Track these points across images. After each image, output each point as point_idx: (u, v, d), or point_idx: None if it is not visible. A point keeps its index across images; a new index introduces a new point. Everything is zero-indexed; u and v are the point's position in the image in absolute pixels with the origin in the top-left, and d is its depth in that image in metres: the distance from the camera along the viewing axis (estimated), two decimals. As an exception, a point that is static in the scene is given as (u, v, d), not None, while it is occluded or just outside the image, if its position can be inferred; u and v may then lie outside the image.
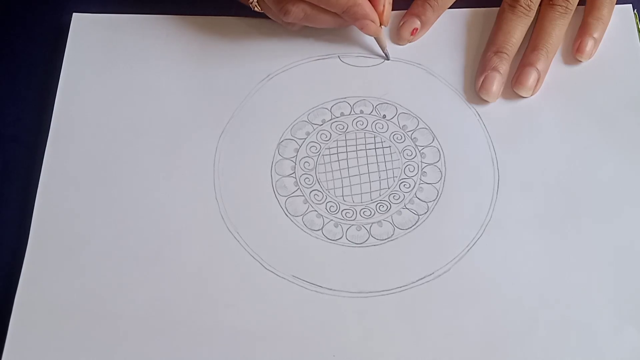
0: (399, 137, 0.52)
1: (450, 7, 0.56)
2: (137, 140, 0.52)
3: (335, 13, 0.52)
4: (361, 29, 0.53)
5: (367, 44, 0.56)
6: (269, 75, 0.55)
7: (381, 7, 0.52)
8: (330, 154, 0.52)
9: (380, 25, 0.53)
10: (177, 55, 0.55)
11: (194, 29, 0.56)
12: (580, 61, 0.55)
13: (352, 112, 0.53)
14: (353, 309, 0.47)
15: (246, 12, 0.55)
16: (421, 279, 0.48)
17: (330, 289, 0.47)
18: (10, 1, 0.58)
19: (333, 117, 0.53)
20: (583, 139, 0.52)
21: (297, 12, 0.51)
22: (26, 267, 0.48)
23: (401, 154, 0.52)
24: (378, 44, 0.55)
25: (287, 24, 0.54)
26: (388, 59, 0.55)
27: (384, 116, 0.53)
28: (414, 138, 0.52)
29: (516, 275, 0.47)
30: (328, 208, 0.50)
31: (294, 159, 0.52)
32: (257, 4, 0.53)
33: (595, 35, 0.54)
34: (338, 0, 0.50)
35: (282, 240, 0.49)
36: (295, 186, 0.51)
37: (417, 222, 0.49)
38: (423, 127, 0.53)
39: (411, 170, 0.51)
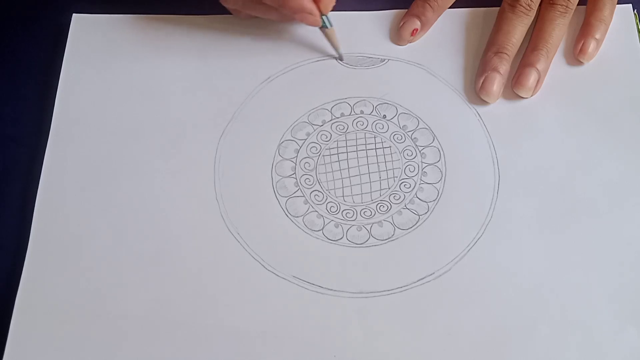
0: (399, 137, 0.52)
1: (450, 7, 0.56)
2: (138, 140, 0.52)
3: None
4: (300, 21, 0.52)
5: (367, 44, 0.56)
6: (269, 77, 0.55)
7: None
8: (330, 155, 0.52)
9: (322, 15, 0.52)
10: (177, 56, 0.55)
11: (194, 29, 0.56)
12: (581, 62, 0.55)
13: (353, 113, 0.53)
14: (354, 309, 0.47)
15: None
16: (422, 279, 0.48)
17: (331, 289, 0.47)
18: (10, 1, 0.58)
19: (333, 117, 0.53)
20: (583, 138, 0.52)
21: (233, 0, 0.52)
22: (27, 268, 0.48)
23: (401, 154, 0.52)
24: (329, 42, 0.54)
25: (234, 12, 0.54)
26: (342, 60, 0.55)
27: (384, 116, 0.53)
28: (414, 138, 0.52)
29: (517, 275, 0.47)
30: (328, 208, 0.50)
31: (294, 160, 0.52)
32: None
33: (597, 36, 0.54)
34: None
35: (282, 241, 0.49)
36: (296, 187, 0.51)
37: (417, 222, 0.49)
38: (423, 127, 0.53)
39: (411, 170, 0.51)
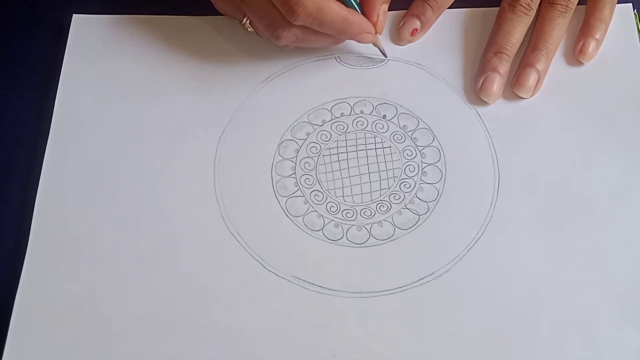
0: (399, 137, 0.52)
1: (450, 7, 0.56)
2: (138, 141, 0.52)
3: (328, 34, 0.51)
4: (359, 41, 0.53)
5: (367, 44, 0.56)
6: (269, 77, 0.55)
7: (375, 18, 0.53)
8: (330, 155, 0.52)
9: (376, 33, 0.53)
10: (177, 56, 0.55)
11: (194, 30, 0.56)
12: (581, 62, 0.55)
13: (352, 113, 0.53)
14: (353, 309, 0.47)
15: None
16: (422, 279, 0.47)
17: (331, 289, 0.47)
18: (10, 2, 0.58)
19: (333, 117, 0.53)
20: (583, 138, 0.52)
21: (289, 36, 0.51)
22: (27, 267, 0.48)
23: (401, 154, 0.52)
24: (375, 46, 0.55)
25: (282, 45, 0.53)
26: (386, 57, 0.55)
27: (384, 116, 0.53)
28: (414, 138, 0.52)
29: (517, 274, 0.47)
30: (328, 208, 0.50)
31: (294, 160, 0.52)
32: (249, 25, 0.53)
33: (597, 36, 0.54)
34: (332, 23, 0.50)
35: (282, 241, 0.49)
36: (296, 186, 0.51)
37: (417, 222, 0.49)
38: (423, 127, 0.53)
39: (411, 170, 0.51)
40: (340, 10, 0.50)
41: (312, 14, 0.48)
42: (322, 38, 0.52)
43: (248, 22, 0.52)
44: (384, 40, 0.56)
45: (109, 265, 0.48)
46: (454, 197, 0.50)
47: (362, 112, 0.53)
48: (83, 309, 0.47)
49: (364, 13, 0.52)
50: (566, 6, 0.54)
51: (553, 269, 0.47)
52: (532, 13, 0.54)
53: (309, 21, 0.49)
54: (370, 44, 0.55)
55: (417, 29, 0.55)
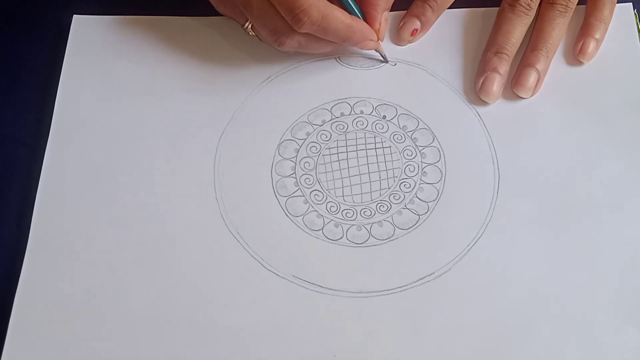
0: (399, 137, 0.52)
1: (449, 7, 0.56)
2: (138, 140, 0.52)
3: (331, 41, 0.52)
4: (361, 49, 0.54)
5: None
6: (269, 77, 0.55)
7: (377, 25, 0.53)
8: (330, 154, 0.52)
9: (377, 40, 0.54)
10: (177, 57, 0.55)
11: (195, 30, 0.56)
12: (581, 62, 0.55)
13: (352, 112, 0.53)
14: (353, 309, 0.47)
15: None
16: (421, 278, 0.47)
17: (331, 289, 0.47)
18: (10, 2, 0.58)
19: (333, 117, 0.53)
20: (583, 138, 0.52)
21: (292, 43, 0.51)
22: (26, 267, 0.48)
23: (401, 154, 0.52)
24: (377, 52, 0.55)
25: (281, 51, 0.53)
26: (387, 62, 0.55)
27: (384, 117, 0.53)
28: (414, 138, 0.52)
29: (517, 274, 0.47)
30: (328, 208, 0.50)
31: (294, 159, 0.52)
32: (251, 29, 0.52)
33: (597, 36, 0.54)
34: (336, 31, 0.50)
35: (282, 241, 0.49)
36: (296, 186, 0.51)
37: (417, 222, 0.49)
38: (423, 127, 0.53)
39: (411, 170, 0.51)
40: (345, 18, 0.50)
41: (317, 22, 0.49)
42: (325, 45, 0.52)
43: (250, 26, 0.52)
44: (384, 41, 0.56)
45: (108, 265, 0.48)
46: (454, 197, 0.50)
47: (362, 112, 0.53)
48: (83, 309, 0.47)
49: (365, 20, 0.53)
50: (566, 6, 0.54)
51: (553, 269, 0.47)
52: (532, 13, 0.54)
53: (314, 29, 0.49)
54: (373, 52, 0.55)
55: (417, 29, 0.55)
